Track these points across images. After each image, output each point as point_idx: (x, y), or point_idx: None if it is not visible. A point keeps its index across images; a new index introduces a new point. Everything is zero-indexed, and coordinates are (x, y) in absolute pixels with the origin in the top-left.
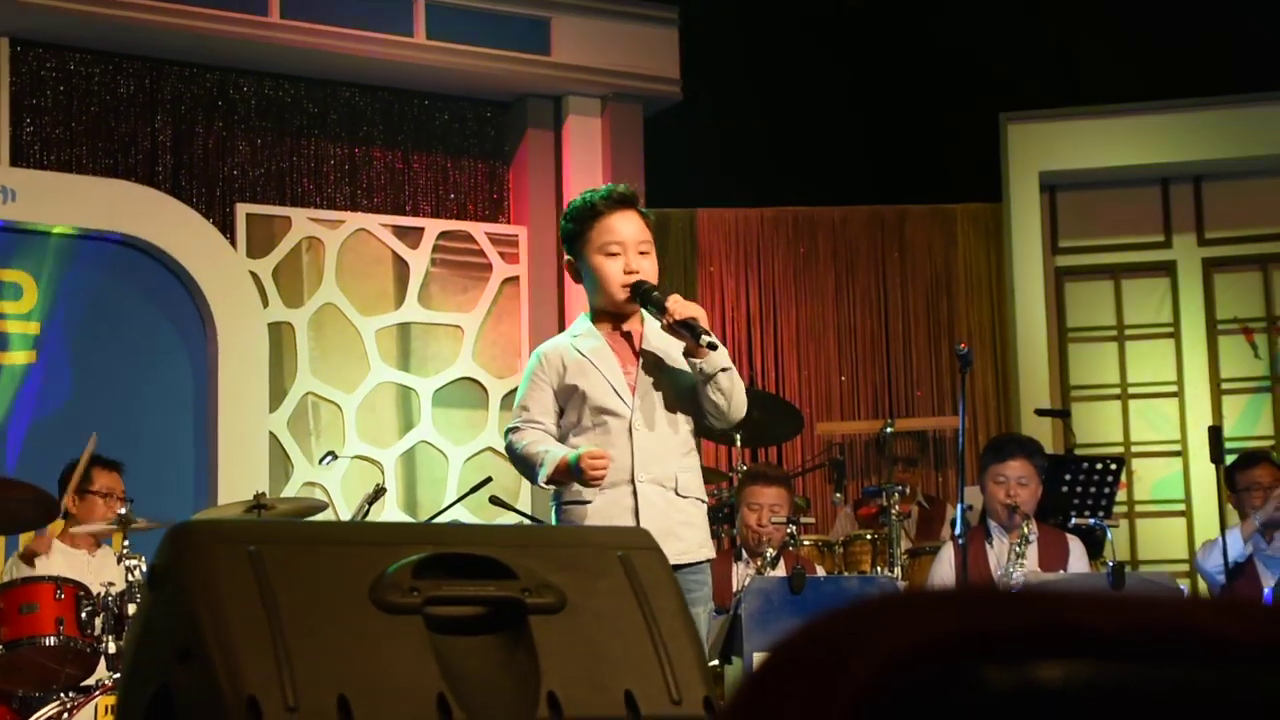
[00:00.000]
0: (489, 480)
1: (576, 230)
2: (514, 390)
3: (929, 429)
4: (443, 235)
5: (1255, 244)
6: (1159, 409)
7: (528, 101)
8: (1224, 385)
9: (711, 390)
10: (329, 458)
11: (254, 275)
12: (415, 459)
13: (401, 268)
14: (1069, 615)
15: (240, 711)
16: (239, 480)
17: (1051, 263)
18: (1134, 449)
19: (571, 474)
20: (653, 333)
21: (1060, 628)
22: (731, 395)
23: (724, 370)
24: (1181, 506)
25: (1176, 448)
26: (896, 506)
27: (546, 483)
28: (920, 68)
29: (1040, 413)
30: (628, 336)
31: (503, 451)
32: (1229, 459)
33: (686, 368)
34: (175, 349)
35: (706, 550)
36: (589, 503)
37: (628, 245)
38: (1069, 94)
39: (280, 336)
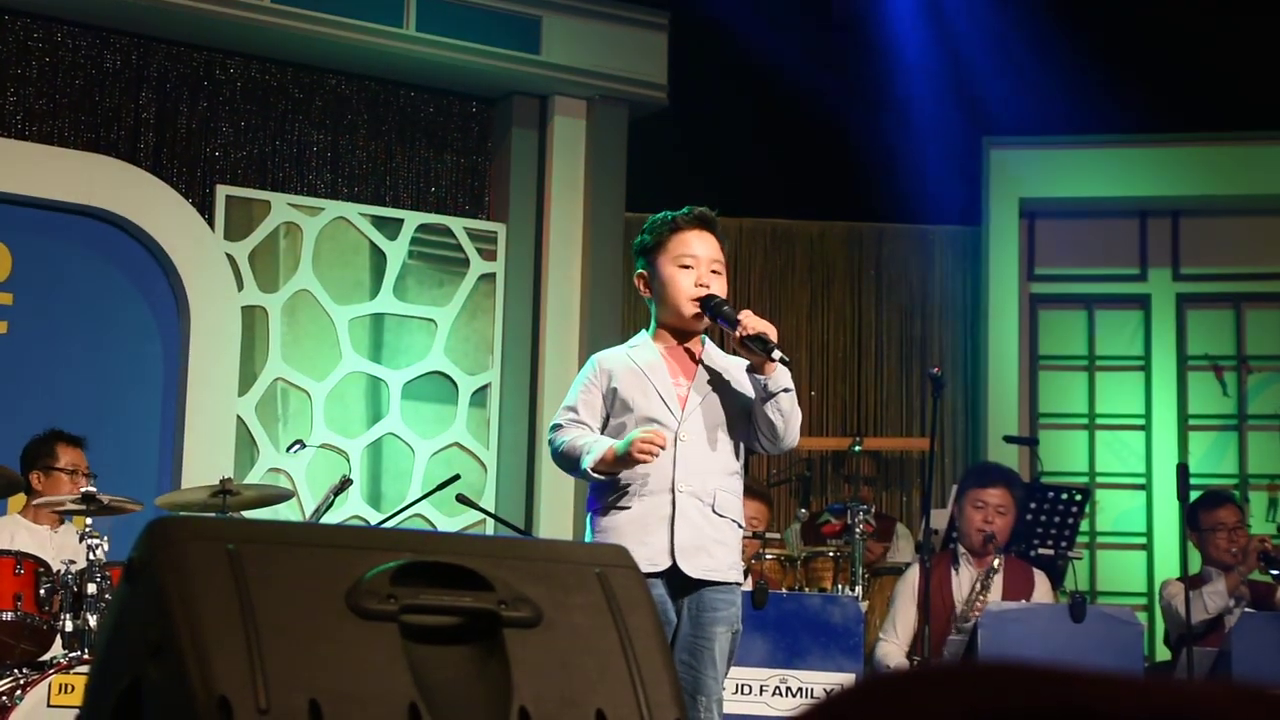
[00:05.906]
0: (457, 477)
1: (652, 242)
2: (484, 387)
3: (896, 449)
4: (421, 228)
5: (1230, 282)
6: (1125, 441)
7: (514, 99)
8: (1191, 421)
9: (770, 409)
10: (297, 446)
11: (230, 258)
12: (382, 451)
13: (379, 258)
14: (1085, 698)
15: (211, 711)
16: (204, 463)
17: (1027, 289)
18: (1099, 479)
19: (619, 461)
20: (714, 352)
21: (1076, 711)
22: (789, 418)
23: (786, 390)
24: (1143, 539)
25: (1141, 480)
26: (861, 525)
27: (592, 469)
28: (906, 88)
29: (1009, 440)
30: (687, 353)
31: (469, 448)
32: (1192, 496)
33: (744, 389)
34: (147, 327)
35: (735, 573)
36: (628, 509)
37: (701, 261)
38: (1053, 123)
39: (253, 320)
